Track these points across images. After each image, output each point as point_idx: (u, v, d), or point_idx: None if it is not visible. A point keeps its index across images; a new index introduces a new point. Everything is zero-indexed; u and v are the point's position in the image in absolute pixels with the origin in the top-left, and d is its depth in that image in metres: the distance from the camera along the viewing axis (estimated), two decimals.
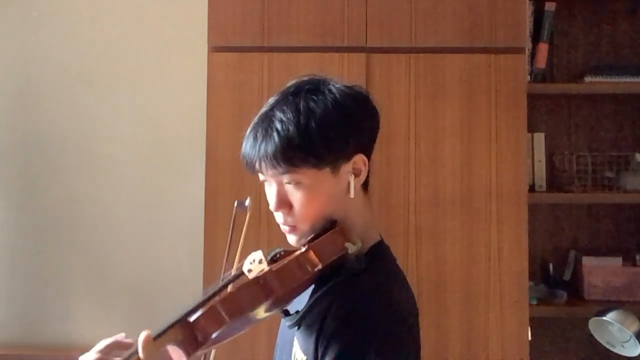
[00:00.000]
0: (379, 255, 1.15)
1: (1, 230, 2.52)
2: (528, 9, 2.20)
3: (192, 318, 0.97)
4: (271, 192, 1.10)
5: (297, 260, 1.05)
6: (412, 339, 1.07)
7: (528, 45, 2.26)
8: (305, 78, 1.14)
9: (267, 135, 1.06)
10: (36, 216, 2.52)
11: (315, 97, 1.08)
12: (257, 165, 1.08)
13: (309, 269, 1.05)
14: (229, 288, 1.07)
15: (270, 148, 1.05)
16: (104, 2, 2.54)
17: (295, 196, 1.08)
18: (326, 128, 1.06)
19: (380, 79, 2.03)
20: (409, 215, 2.00)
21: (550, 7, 2.35)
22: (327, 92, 1.09)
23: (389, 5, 2.04)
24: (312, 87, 1.10)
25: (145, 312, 2.47)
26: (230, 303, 0.98)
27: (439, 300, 1.97)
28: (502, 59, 2.03)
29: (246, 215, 1.42)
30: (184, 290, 2.41)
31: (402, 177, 2.01)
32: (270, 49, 2.04)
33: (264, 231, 1.96)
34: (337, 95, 1.09)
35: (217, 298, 1.01)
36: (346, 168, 1.09)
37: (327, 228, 1.09)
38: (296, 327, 1.10)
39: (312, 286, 1.12)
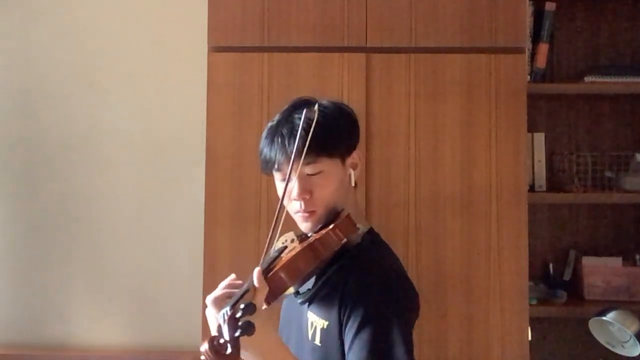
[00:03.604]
0: (377, 236, 1.39)
1: (1, 230, 2.52)
2: (528, 9, 2.20)
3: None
4: (293, 185, 1.28)
5: (329, 233, 1.24)
6: (415, 298, 1.29)
7: (528, 45, 2.26)
8: (303, 97, 1.38)
9: (292, 134, 1.27)
10: (36, 216, 2.52)
11: (324, 104, 1.35)
12: (281, 162, 1.28)
13: (337, 240, 1.24)
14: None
15: (300, 143, 1.25)
16: (104, 2, 2.54)
17: (316, 182, 1.29)
18: (339, 126, 1.33)
19: (380, 79, 2.03)
20: (409, 215, 2.00)
21: (550, 7, 2.35)
22: (328, 103, 1.36)
23: (389, 5, 2.04)
24: (316, 100, 1.36)
25: (145, 312, 2.48)
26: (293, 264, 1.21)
27: (439, 300, 1.97)
28: (502, 59, 2.03)
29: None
30: (184, 290, 2.41)
31: (402, 177, 2.01)
32: (270, 49, 2.04)
33: (263, 231, 1.97)
34: (339, 104, 1.39)
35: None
36: (349, 161, 1.34)
37: (332, 219, 1.28)
38: (307, 304, 1.30)
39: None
